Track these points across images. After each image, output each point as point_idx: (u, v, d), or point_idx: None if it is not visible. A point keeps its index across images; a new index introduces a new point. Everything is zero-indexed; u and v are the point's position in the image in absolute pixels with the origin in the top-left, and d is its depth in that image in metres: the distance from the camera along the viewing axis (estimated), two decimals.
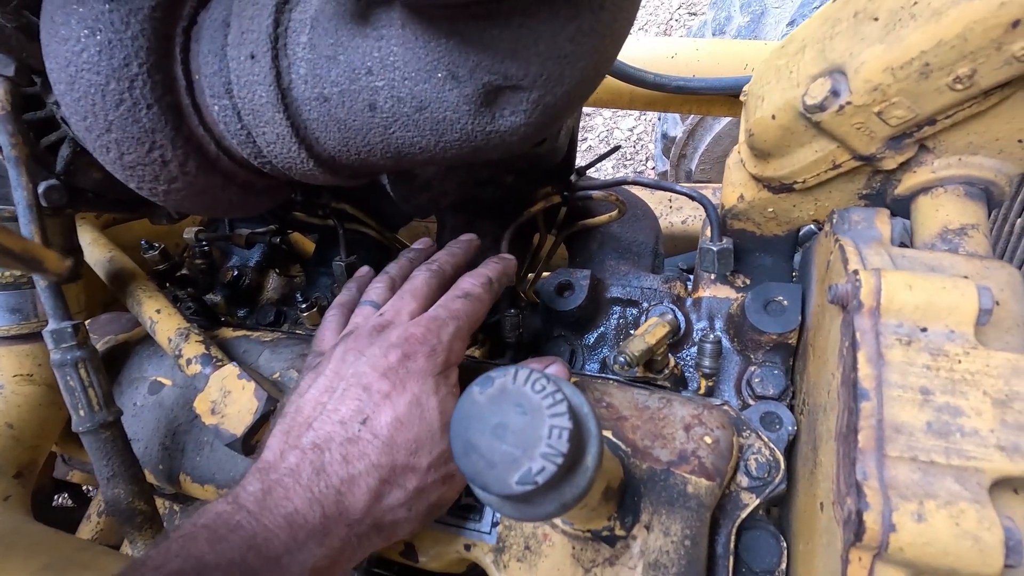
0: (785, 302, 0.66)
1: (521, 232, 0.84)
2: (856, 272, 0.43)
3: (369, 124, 0.48)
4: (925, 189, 0.54)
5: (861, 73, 0.46)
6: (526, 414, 0.30)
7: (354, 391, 0.46)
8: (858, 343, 0.41)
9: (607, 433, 0.52)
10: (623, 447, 0.51)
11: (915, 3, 0.43)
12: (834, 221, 0.56)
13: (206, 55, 0.50)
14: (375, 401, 0.45)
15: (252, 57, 0.47)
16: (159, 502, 0.82)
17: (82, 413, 0.58)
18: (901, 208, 0.57)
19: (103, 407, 0.59)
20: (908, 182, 0.54)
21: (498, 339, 0.79)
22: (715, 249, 0.66)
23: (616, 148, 0.81)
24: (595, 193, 0.73)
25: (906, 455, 0.37)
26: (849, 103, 0.47)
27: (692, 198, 0.67)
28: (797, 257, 0.76)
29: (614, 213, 0.77)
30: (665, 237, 1.34)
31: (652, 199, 1.39)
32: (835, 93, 0.48)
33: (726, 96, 1.01)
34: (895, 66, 0.44)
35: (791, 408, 0.65)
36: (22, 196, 0.56)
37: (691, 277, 0.84)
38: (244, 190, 0.60)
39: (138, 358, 0.76)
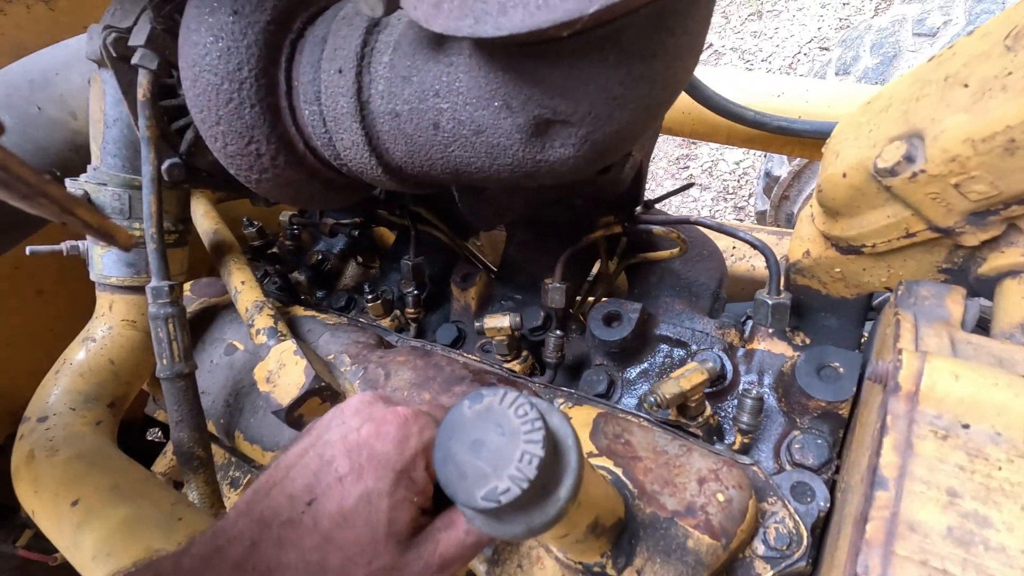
0: (841, 369, 0.62)
1: (581, 256, 0.85)
2: (900, 351, 0.40)
3: (432, 141, 0.51)
4: (1014, 272, 0.49)
5: (939, 141, 0.43)
6: (504, 435, 0.32)
7: (315, 462, 0.43)
8: (887, 427, 0.38)
9: (617, 470, 0.52)
10: (630, 487, 0.51)
11: (1009, 73, 0.39)
12: (899, 293, 0.52)
13: (304, 65, 0.57)
14: (328, 481, 0.42)
15: (339, 72, 0.53)
16: (219, 452, 0.92)
17: (164, 362, 0.67)
18: (985, 289, 0.52)
19: (182, 359, 0.68)
20: (994, 262, 0.49)
21: (540, 357, 0.81)
22: (770, 302, 0.64)
23: (690, 185, 0.80)
24: (656, 228, 0.72)
25: (915, 556, 0.34)
26: (923, 171, 0.44)
27: (754, 246, 0.64)
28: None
29: (675, 250, 0.76)
30: (731, 279, 1.28)
31: (721, 239, 1.34)
32: (909, 159, 0.45)
33: None
34: (976, 138, 0.40)
35: (831, 484, 0.60)
36: (148, 171, 0.66)
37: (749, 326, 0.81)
38: (325, 186, 0.66)
39: (221, 321, 0.85)
